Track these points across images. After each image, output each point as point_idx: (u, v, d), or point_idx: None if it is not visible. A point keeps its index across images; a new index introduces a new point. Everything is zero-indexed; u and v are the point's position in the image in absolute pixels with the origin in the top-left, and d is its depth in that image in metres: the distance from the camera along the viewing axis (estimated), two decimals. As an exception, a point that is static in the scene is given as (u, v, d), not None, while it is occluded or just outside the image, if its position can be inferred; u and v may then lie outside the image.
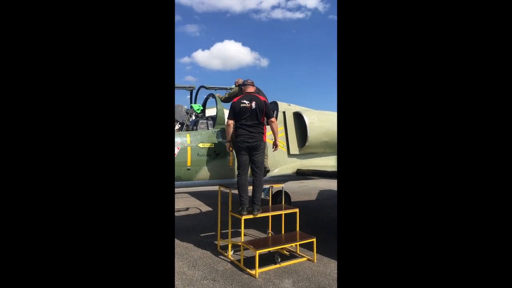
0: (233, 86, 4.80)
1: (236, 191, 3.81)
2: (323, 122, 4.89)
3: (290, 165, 4.73)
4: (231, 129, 3.75)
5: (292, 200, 6.97)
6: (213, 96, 4.49)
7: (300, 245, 3.92)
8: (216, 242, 4.24)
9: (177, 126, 4.40)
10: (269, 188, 4.37)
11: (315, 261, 3.66)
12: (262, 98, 3.77)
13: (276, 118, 4.72)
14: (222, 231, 4.24)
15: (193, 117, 4.48)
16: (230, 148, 3.85)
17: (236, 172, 3.88)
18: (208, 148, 4.01)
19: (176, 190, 6.57)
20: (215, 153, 4.06)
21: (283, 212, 3.97)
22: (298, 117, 4.91)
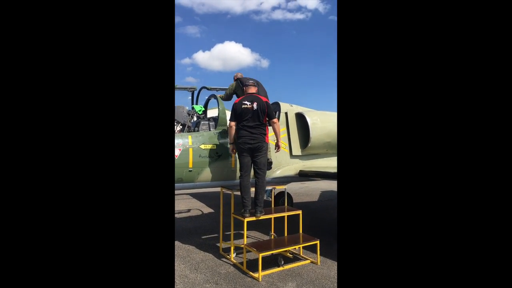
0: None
1: (238, 193, 3.78)
2: (326, 123, 4.85)
3: (292, 166, 4.69)
4: (233, 131, 3.71)
5: (294, 201, 6.93)
6: (215, 97, 4.46)
7: (303, 247, 3.88)
8: (218, 244, 4.20)
9: (178, 128, 4.36)
10: (271, 190, 4.33)
11: (319, 263, 3.62)
12: (264, 99, 3.73)
13: (278, 119, 4.69)
14: (224, 233, 4.19)
15: (195, 118, 4.45)
16: (234, 151, 3.81)
17: (238, 174, 3.84)
18: (210, 149, 3.97)
19: (178, 191, 6.54)
20: (217, 155, 4.02)
21: (286, 214, 3.93)
22: (300, 118, 4.87)
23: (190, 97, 4.81)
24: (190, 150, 3.84)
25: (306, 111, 4.90)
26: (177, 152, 3.75)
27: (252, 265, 3.48)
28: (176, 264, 3.62)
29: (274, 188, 4.36)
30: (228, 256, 3.81)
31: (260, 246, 3.52)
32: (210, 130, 4.16)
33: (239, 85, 4.28)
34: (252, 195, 3.74)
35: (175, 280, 3.20)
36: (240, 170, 3.72)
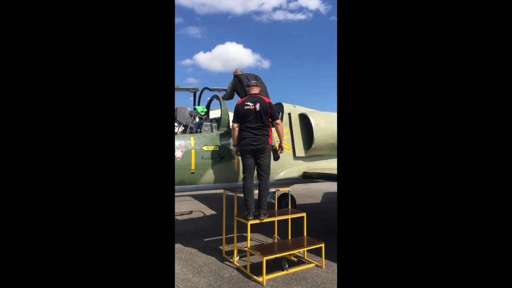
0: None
1: (241, 195, 3.71)
2: (329, 123, 4.78)
3: (296, 168, 4.62)
4: (236, 132, 3.65)
5: (297, 203, 6.86)
6: (217, 97, 4.40)
7: (308, 250, 3.81)
8: (221, 247, 4.14)
9: (180, 129, 4.31)
10: (274, 192, 4.27)
11: (324, 267, 3.55)
12: (267, 100, 3.67)
13: (282, 120, 4.62)
14: (227, 236, 4.13)
15: (197, 119, 4.39)
16: (238, 153, 3.75)
17: (241, 176, 3.78)
18: (213, 151, 3.91)
19: (179, 193, 6.48)
20: (220, 156, 3.96)
21: (289, 216, 3.86)
22: (303, 118, 4.81)
23: (192, 98, 4.76)
24: (193, 151, 3.78)
25: (310, 112, 4.84)
26: (179, 154, 3.69)
27: (256, 269, 3.42)
28: (178, 267, 3.56)
29: (278, 190, 4.30)
30: (231, 260, 3.75)
31: (264, 249, 3.45)
32: (212, 131, 4.10)
33: (237, 82, 4.19)
34: (255, 197, 3.68)
35: (178, 284, 3.14)
36: (243, 172, 3.66)
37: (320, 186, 9.98)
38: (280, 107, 4.78)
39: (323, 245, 3.60)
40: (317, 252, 3.80)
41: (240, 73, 4.34)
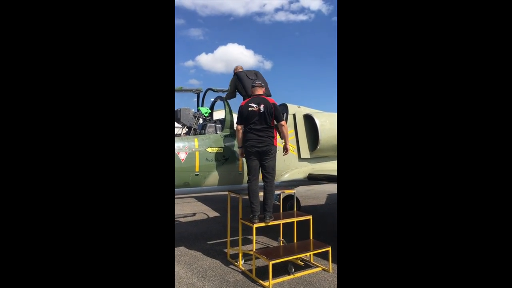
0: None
1: (246, 197, 3.65)
2: (335, 124, 4.71)
3: (301, 170, 4.56)
4: (241, 134, 3.59)
5: (301, 204, 6.79)
6: (221, 98, 4.34)
7: (314, 253, 3.74)
8: (225, 250, 4.08)
9: (184, 130, 4.26)
10: (279, 194, 4.20)
11: (331, 271, 3.48)
12: (271, 101, 3.60)
13: (286, 121, 4.56)
14: (231, 238, 4.07)
15: (201, 121, 4.34)
16: (243, 154, 3.68)
17: (246, 178, 3.72)
18: (217, 152, 3.86)
19: (183, 195, 6.41)
20: (224, 158, 3.90)
21: (295, 219, 3.80)
22: (308, 119, 4.74)
23: (196, 99, 4.71)
24: (197, 153, 3.73)
25: (315, 113, 4.77)
26: (183, 156, 3.64)
27: (261, 273, 3.36)
28: (183, 271, 3.51)
29: (283, 192, 4.23)
30: (236, 263, 3.69)
31: (269, 253, 3.39)
32: (216, 132, 4.05)
33: (237, 80, 4.10)
34: (261, 199, 3.62)
35: (182, 289, 3.09)
36: (248, 174, 3.60)
37: (324, 187, 9.87)
38: (284, 108, 4.72)
39: (330, 248, 3.52)
40: (323, 255, 3.73)
41: (241, 70, 4.26)
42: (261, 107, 3.50)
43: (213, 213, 6.67)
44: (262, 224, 3.50)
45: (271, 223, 3.55)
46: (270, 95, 3.95)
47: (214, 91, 4.64)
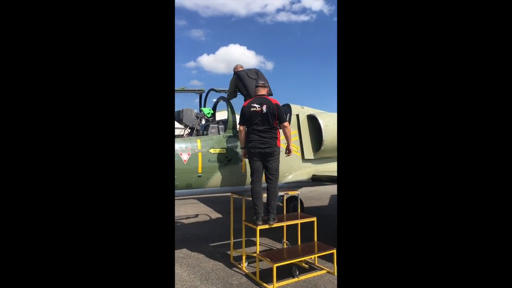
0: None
1: (249, 198, 3.61)
2: (339, 125, 4.66)
3: (305, 171, 4.51)
4: (243, 135, 3.54)
5: (304, 205, 6.73)
6: (224, 99, 4.30)
7: (319, 256, 3.69)
8: (228, 252, 4.04)
9: (187, 131, 4.22)
10: (282, 195, 4.15)
11: (336, 273, 3.42)
12: (274, 101, 3.54)
13: (290, 121, 4.51)
14: (234, 240, 4.02)
15: (203, 121, 4.30)
16: (246, 155, 3.64)
17: (249, 179, 3.67)
18: (220, 153, 3.81)
19: (186, 197, 6.36)
20: (227, 159, 3.86)
21: (299, 221, 3.74)
22: (312, 120, 4.69)
23: (198, 100, 4.67)
24: (199, 154, 3.68)
25: (318, 113, 4.72)
26: (186, 157, 3.59)
27: (265, 275, 3.31)
28: (185, 274, 3.46)
29: (287, 194, 4.18)
30: (239, 266, 3.64)
31: (274, 256, 3.34)
32: (219, 133, 4.00)
33: (237, 79, 4.05)
34: (264, 200, 3.57)
35: (185, 292, 3.04)
36: (251, 176, 3.55)
37: (327, 188, 9.80)
38: (288, 108, 4.67)
39: (334, 251, 3.47)
40: (328, 257, 3.68)
41: (241, 69, 4.20)
42: (264, 107, 3.45)
43: (215, 215, 6.63)
44: (266, 226, 3.45)
45: (275, 225, 3.50)
46: (271, 94, 3.90)
47: (216, 91, 4.60)
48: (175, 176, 3.48)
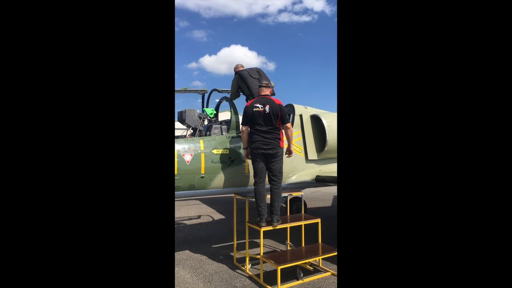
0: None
1: (252, 199, 3.57)
2: (343, 125, 4.61)
3: (308, 171, 4.46)
4: (246, 135, 3.50)
5: (307, 206, 6.69)
6: (227, 99, 4.27)
7: (323, 258, 3.64)
8: (231, 254, 4.00)
9: (189, 132, 4.19)
10: (286, 196, 4.10)
11: (340, 276, 3.37)
12: (277, 101, 3.50)
13: (293, 121, 4.48)
14: (238, 242, 3.98)
15: (206, 122, 4.27)
16: (248, 156, 3.60)
17: (252, 179, 3.63)
18: (223, 154, 3.78)
19: (188, 198, 6.32)
20: (230, 160, 3.82)
21: (304, 222, 3.70)
22: (315, 120, 4.65)
23: (201, 100, 4.64)
24: (202, 155, 3.65)
25: (322, 113, 4.68)
26: (188, 158, 3.56)
27: (269, 277, 3.27)
28: (188, 275, 3.42)
29: (290, 195, 4.14)
30: (243, 268, 3.60)
31: (277, 258, 3.30)
32: (222, 134, 3.97)
33: (239, 79, 4.00)
34: (267, 201, 3.53)
35: (188, 294, 3.00)
36: (254, 177, 3.51)
37: (330, 189, 9.77)
38: (291, 108, 4.64)
39: (339, 252, 3.42)
40: (332, 259, 3.63)
41: (242, 68, 4.15)
42: (267, 107, 3.40)
43: (218, 216, 6.59)
44: (270, 228, 3.41)
45: (279, 226, 3.46)
46: (274, 94, 3.86)
47: (219, 91, 4.57)
48: (178, 177, 3.44)
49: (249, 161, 3.75)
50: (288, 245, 3.83)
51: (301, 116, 4.61)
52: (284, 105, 3.60)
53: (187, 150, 3.56)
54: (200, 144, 3.68)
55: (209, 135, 3.92)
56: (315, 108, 4.94)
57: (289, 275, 3.36)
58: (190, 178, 3.56)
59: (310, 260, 3.48)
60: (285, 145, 3.72)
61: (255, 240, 4.42)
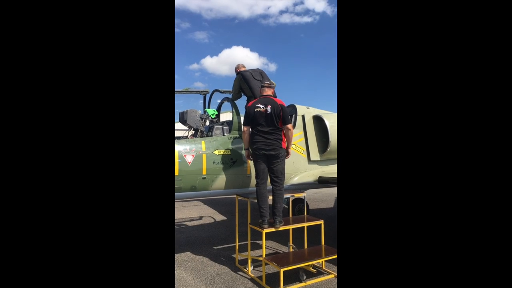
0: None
1: (254, 201, 3.53)
2: (345, 125, 4.57)
3: (311, 173, 4.43)
4: (247, 136, 3.47)
5: (309, 207, 6.64)
6: (228, 100, 4.24)
7: (326, 260, 3.60)
8: (233, 255, 3.96)
9: (191, 132, 4.16)
10: (288, 198, 4.07)
11: (344, 278, 3.33)
12: (279, 102, 3.46)
13: (295, 122, 4.44)
14: (240, 243, 3.94)
15: (207, 123, 4.24)
16: (249, 156, 3.57)
17: (254, 181, 3.59)
18: (225, 155, 3.75)
19: (190, 199, 6.29)
20: (232, 161, 3.79)
21: (306, 224, 3.66)
22: (318, 121, 4.61)
23: (202, 101, 4.61)
24: (204, 156, 3.62)
25: (324, 114, 4.64)
26: (190, 159, 3.53)
27: (272, 280, 3.23)
28: (190, 278, 3.39)
29: (293, 196, 4.10)
30: (245, 270, 3.57)
31: (280, 260, 3.26)
32: (224, 134, 3.94)
33: (241, 79, 3.95)
34: (269, 202, 3.49)
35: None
36: (256, 178, 3.48)
37: (332, 190, 9.72)
38: (293, 109, 4.60)
39: (342, 254, 3.38)
40: (336, 261, 3.58)
41: (243, 69, 4.11)
42: (268, 108, 3.37)
43: (220, 217, 6.56)
44: (272, 230, 3.37)
45: (281, 228, 3.42)
46: (275, 95, 3.82)
47: (221, 92, 4.54)
48: (179, 178, 3.42)
49: (251, 162, 3.72)
50: (291, 247, 3.79)
51: (303, 116, 4.57)
52: (286, 105, 3.57)
53: (188, 151, 3.54)
54: (202, 145, 3.65)
55: (211, 136, 3.89)
56: (317, 109, 4.91)
57: (292, 277, 3.32)
58: (191, 179, 3.53)
59: (313, 262, 3.44)
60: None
61: (257, 241, 4.38)
